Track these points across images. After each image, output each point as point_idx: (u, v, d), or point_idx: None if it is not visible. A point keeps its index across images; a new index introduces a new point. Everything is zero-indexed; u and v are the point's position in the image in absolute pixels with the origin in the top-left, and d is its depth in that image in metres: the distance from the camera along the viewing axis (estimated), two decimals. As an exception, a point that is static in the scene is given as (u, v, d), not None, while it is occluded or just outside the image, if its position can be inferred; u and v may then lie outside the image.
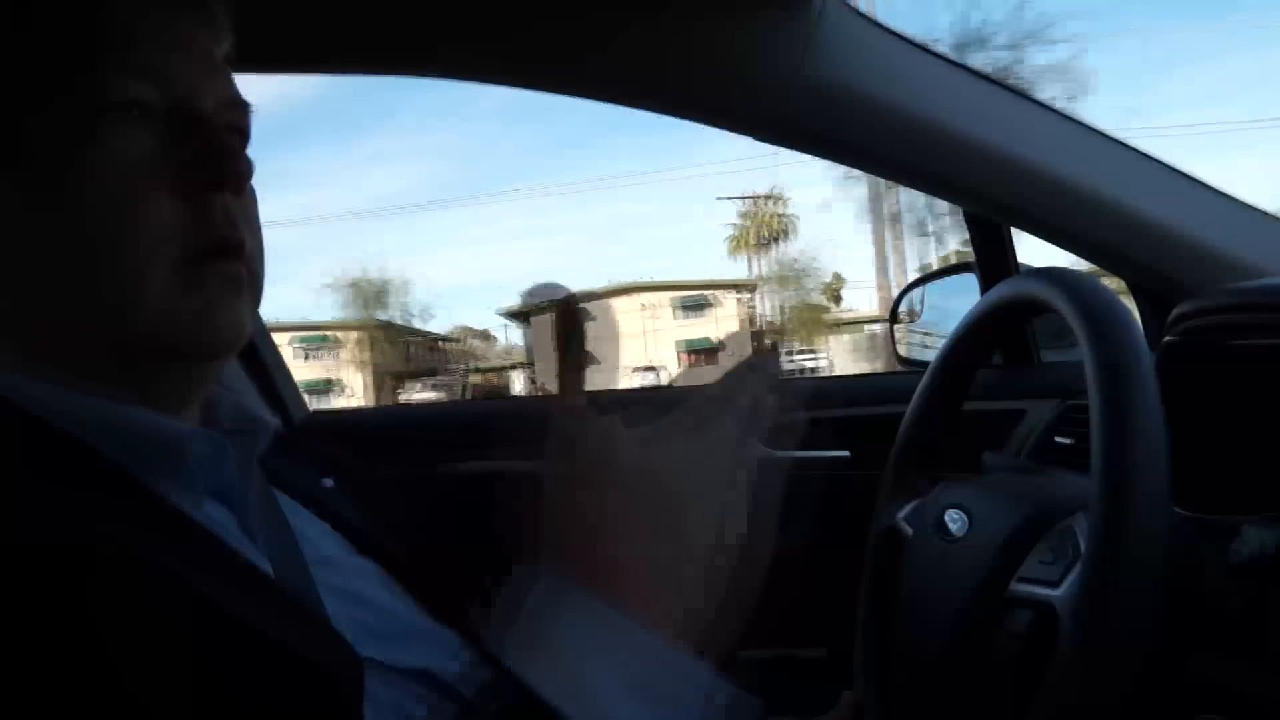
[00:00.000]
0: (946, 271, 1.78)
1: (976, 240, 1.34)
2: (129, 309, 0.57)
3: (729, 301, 35.06)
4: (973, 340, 0.89)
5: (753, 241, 35.49)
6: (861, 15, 0.97)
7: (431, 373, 35.68)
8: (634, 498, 0.48)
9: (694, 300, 35.27)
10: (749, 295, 34.92)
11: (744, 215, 35.64)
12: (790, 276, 33.00)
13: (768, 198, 35.25)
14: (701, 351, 34.09)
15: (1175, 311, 0.89)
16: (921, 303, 1.81)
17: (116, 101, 0.57)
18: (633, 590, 0.46)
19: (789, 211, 35.21)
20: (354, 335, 33.67)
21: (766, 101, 0.99)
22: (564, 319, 0.50)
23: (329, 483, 0.82)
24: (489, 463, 1.39)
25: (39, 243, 0.57)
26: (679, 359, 34.45)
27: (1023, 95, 1.01)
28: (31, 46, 0.56)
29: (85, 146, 0.56)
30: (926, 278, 1.87)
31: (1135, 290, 1.13)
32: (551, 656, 0.45)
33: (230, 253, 0.61)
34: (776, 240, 34.92)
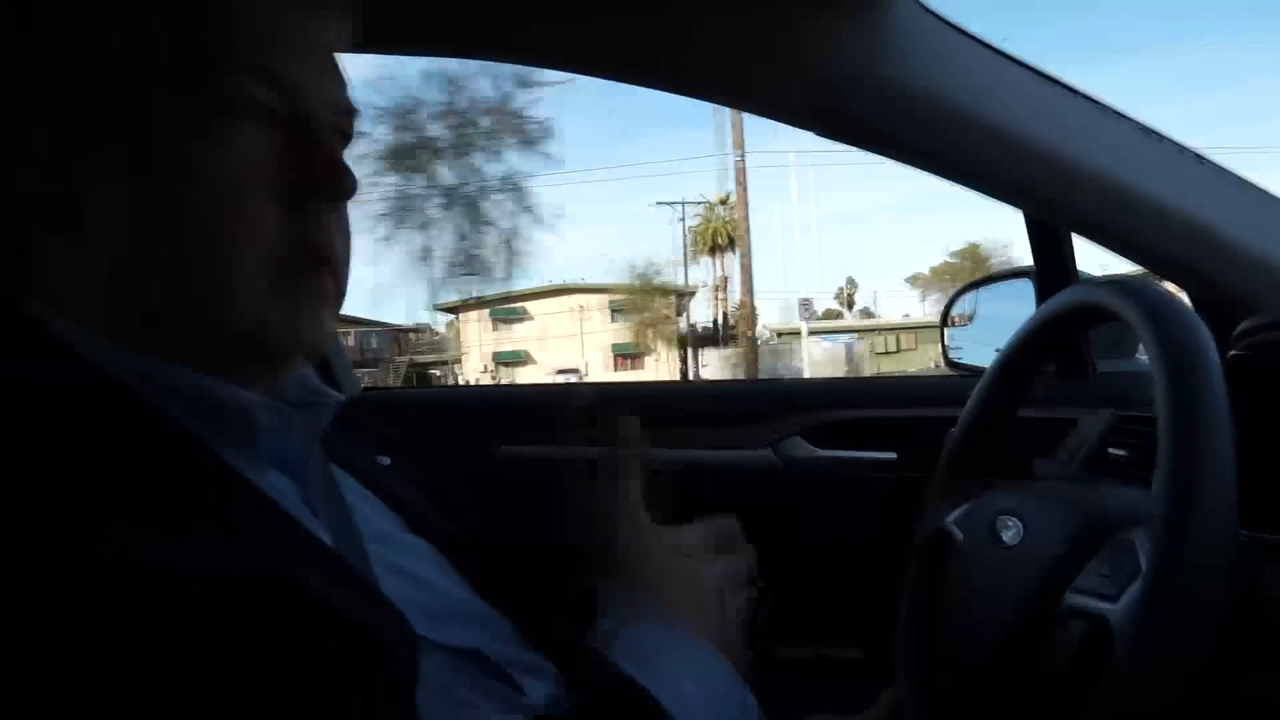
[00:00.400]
0: (1000, 277, 1.76)
1: (1035, 246, 1.33)
2: (222, 308, 0.58)
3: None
4: (1034, 345, 0.87)
5: (705, 246, 34.89)
6: (934, 14, 0.96)
7: (373, 364, 35.53)
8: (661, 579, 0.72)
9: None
10: (683, 301, 34.19)
11: (699, 219, 34.93)
12: (647, 286, 32.55)
13: (722, 203, 34.45)
14: (630, 356, 34.14)
15: (1240, 327, 0.88)
16: (973, 308, 1.79)
17: (239, 102, 0.57)
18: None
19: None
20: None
21: (833, 97, 0.98)
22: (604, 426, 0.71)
23: (386, 460, 0.83)
24: (542, 448, 1.40)
25: (146, 232, 0.57)
26: (614, 362, 34.38)
27: (1095, 102, 0.99)
28: (164, 44, 0.57)
29: (206, 145, 0.56)
30: (978, 283, 1.85)
31: (1198, 305, 1.11)
32: (627, 644, 0.64)
33: (322, 263, 0.61)
34: (728, 246, 33.99)
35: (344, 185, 0.61)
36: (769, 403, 1.57)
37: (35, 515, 0.44)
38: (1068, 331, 0.87)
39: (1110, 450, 1.08)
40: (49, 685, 0.41)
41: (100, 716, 0.41)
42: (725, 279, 35.06)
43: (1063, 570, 0.70)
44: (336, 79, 0.64)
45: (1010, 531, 0.76)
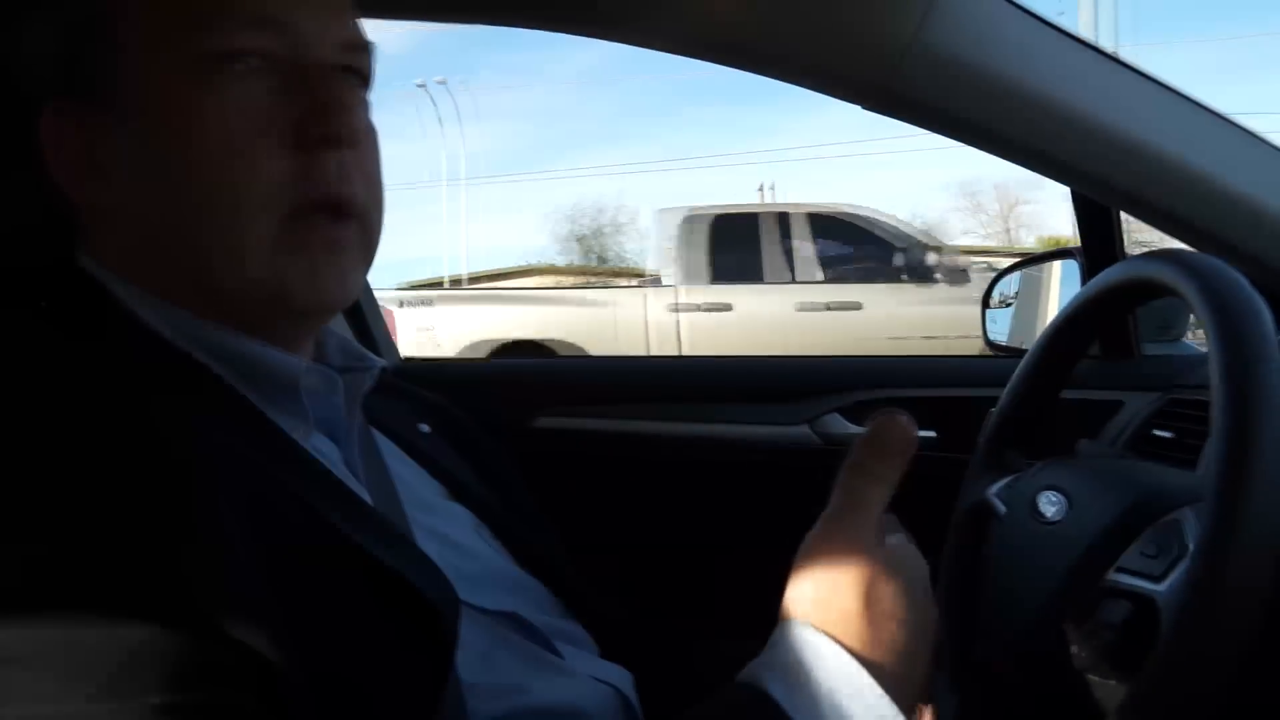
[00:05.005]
0: (1044, 257, 1.74)
1: (1084, 224, 1.31)
2: (236, 258, 0.58)
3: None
4: (1082, 321, 0.86)
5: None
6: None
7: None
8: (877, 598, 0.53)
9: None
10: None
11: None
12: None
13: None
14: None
15: None
16: (1016, 288, 1.77)
17: (234, 51, 0.56)
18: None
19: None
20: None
21: (880, 70, 0.97)
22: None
23: (425, 428, 0.84)
24: (577, 419, 1.41)
25: (155, 184, 0.57)
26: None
27: (1152, 80, 0.97)
28: None
29: (200, 96, 0.56)
30: (1022, 263, 1.84)
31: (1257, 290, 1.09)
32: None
33: (339, 210, 0.60)
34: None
35: (350, 127, 0.59)
36: (806, 380, 1.56)
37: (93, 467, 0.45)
38: (1119, 306, 0.85)
39: (1156, 431, 1.06)
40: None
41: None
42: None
43: (1107, 548, 0.70)
44: (341, 15, 0.62)
45: (1054, 507, 0.75)
